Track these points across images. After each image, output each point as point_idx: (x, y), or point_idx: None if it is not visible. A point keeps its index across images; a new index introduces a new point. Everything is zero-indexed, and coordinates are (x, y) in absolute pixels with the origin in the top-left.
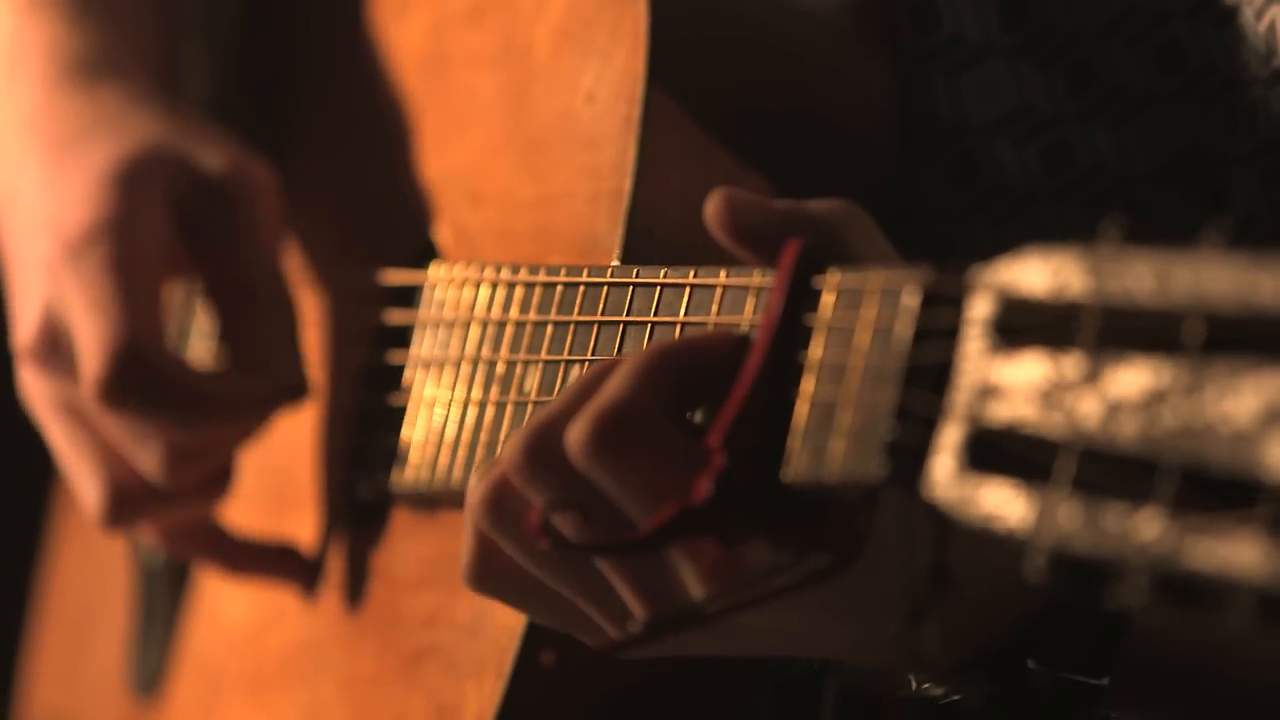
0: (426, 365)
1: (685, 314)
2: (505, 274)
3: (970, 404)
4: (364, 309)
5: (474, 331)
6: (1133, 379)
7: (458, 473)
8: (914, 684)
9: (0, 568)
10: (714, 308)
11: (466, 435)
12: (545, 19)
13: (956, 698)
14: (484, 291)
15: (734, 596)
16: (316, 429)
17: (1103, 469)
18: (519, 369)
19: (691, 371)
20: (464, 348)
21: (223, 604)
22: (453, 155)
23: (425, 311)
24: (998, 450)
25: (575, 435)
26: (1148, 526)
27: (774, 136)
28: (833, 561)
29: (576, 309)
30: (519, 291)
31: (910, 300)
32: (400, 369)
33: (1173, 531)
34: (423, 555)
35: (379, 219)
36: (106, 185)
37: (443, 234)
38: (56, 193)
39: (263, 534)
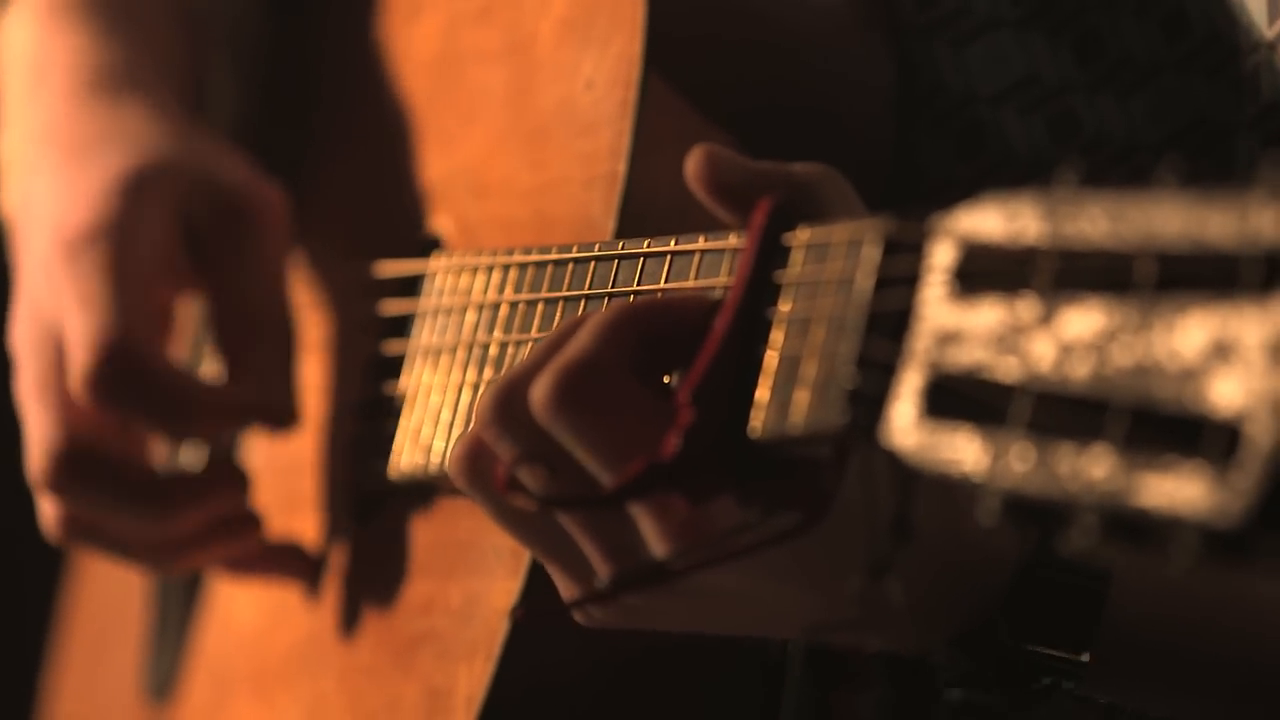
0: (425, 353)
1: (666, 282)
2: (497, 258)
3: (929, 350)
4: (369, 304)
5: (469, 316)
6: (1085, 320)
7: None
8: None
9: (27, 584)
10: (692, 272)
11: (460, 419)
12: (550, 11)
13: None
14: (479, 277)
15: (701, 553)
16: (323, 426)
17: (1058, 411)
18: (511, 349)
19: (663, 333)
20: (460, 333)
21: (234, 607)
22: (459, 151)
23: (425, 301)
24: (957, 396)
25: (538, 391)
26: (1097, 465)
27: (771, 123)
28: (801, 520)
29: (566, 286)
30: (512, 273)
31: (872, 250)
32: (401, 359)
33: (1120, 470)
34: (420, 543)
35: (389, 218)
36: (112, 191)
37: (447, 228)
38: (64, 196)
39: (274, 533)
